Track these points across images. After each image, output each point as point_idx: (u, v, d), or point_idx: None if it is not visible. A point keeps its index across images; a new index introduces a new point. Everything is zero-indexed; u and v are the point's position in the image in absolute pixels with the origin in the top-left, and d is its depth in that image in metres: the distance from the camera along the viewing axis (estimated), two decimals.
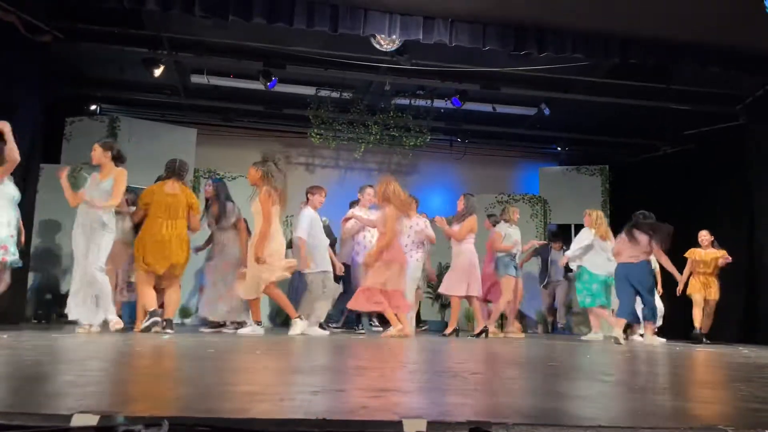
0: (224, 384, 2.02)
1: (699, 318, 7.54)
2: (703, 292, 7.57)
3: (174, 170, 5.71)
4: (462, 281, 6.69)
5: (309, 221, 6.23)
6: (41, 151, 6.04)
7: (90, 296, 5.01)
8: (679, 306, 7.81)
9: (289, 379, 2.20)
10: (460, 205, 7.02)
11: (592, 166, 10.58)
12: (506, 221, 7.52)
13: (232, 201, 6.34)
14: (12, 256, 4.82)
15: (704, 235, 7.70)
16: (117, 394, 1.64)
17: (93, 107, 9.29)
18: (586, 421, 1.46)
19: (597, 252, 7.49)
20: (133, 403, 1.49)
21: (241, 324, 6.07)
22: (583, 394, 2.07)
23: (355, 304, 5.96)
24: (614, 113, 9.14)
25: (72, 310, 5.05)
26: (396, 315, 5.91)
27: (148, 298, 5.40)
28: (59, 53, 7.35)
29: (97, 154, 5.13)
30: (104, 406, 1.37)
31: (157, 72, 7.90)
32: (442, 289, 6.94)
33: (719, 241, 7.66)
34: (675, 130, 9.53)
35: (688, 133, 9.40)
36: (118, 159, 5.17)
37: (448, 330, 6.85)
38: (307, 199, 6.47)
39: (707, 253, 7.63)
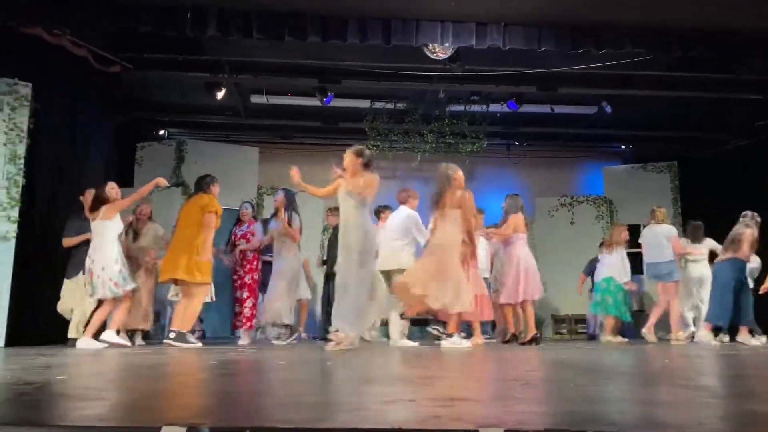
0: (299, 395, 2.06)
1: None
2: None
3: (196, 185, 5.97)
4: (515, 285, 6.38)
5: None
6: (115, 176, 6.39)
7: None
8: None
9: (361, 389, 2.22)
10: (504, 206, 6.83)
11: (659, 163, 10.20)
12: (658, 222, 7.31)
13: (298, 213, 6.52)
14: (119, 288, 5.37)
15: None
16: (201, 407, 1.70)
17: (161, 132, 9.73)
18: (670, 428, 1.41)
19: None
20: (217, 415, 1.55)
21: (290, 329, 6.22)
22: (663, 400, 1.99)
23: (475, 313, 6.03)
24: (680, 107, 8.79)
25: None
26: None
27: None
28: (128, 82, 7.76)
29: (348, 160, 5.22)
30: (190, 418, 1.43)
31: (219, 95, 8.21)
32: (502, 300, 6.56)
33: None
34: (746, 121, 9.06)
35: (760, 124, 8.92)
36: (368, 166, 5.23)
37: (527, 337, 6.39)
38: (404, 201, 6.46)
39: None
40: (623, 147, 10.91)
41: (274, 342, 6.32)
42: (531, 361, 3.94)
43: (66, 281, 5.76)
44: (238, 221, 7.05)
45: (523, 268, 6.38)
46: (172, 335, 5.55)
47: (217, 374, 2.94)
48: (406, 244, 6.22)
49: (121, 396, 2.08)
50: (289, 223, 6.37)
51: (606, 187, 10.45)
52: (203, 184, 5.86)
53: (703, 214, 7.35)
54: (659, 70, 7.67)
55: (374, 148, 9.62)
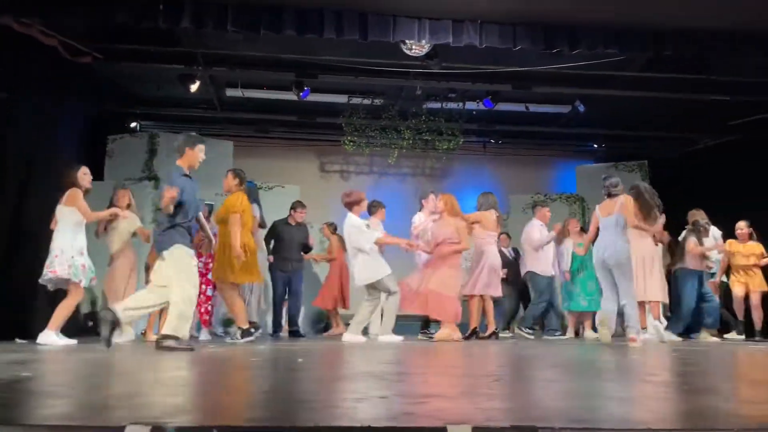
0: (269, 392, 2.05)
1: (741, 312, 7.33)
2: (744, 287, 7.31)
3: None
4: (474, 278, 6.52)
5: None
6: None
7: None
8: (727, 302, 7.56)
9: (332, 387, 2.22)
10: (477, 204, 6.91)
11: (630, 162, 10.36)
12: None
13: (259, 204, 6.45)
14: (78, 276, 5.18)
15: (742, 227, 7.45)
16: (167, 405, 1.68)
17: (133, 124, 9.56)
18: (635, 424, 1.43)
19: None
20: (183, 413, 1.53)
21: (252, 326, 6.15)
22: (629, 395, 2.03)
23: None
24: (652, 107, 8.92)
25: None
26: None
27: (244, 313, 5.62)
28: (100, 73, 7.61)
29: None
30: (155, 417, 1.41)
31: (193, 87, 8.08)
32: (463, 291, 6.57)
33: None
34: (716, 121, 9.25)
35: (729, 125, 9.12)
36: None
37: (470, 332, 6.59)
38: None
39: (746, 246, 7.38)
40: (596, 146, 11.06)
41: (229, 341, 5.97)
42: (502, 356, 3.98)
43: None
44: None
45: (487, 264, 6.49)
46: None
47: (186, 372, 2.91)
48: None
49: (87, 394, 2.05)
50: None
51: (578, 186, 10.60)
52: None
53: (673, 212, 7.44)
54: (632, 70, 7.77)
55: (351, 143, 9.61)
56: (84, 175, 5.43)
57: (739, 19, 6.39)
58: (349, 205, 6.24)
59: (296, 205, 7.51)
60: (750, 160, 8.68)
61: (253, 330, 5.60)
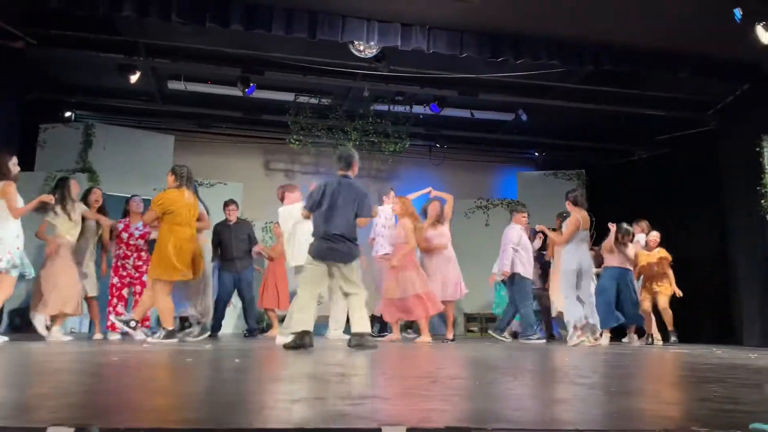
0: (203, 394, 2.00)
1: (650, 326, 7.42)
2: (650, 301, 7.35)
3: (189, 178, 5.71)
4: (456, 283, 6.90)
5: None
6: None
7: None
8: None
9: (269, 388, 2.19)
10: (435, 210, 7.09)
11: (569, 171, 10.70)
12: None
13: (203, 204, 6.33)
14: (18, 267, 5.04)
15: (654, 237, 7.46)
16: (92, 406, 1.61)
17: (68, 114, 9.14)
18: (564, 425, 1.47)
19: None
20: (109, 415, 1.48)
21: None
22: (560, 397, 2.09)
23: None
24: (590, 119, 9.26)
25: None
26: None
27: (170, 314, 5.48)
28: (34, 59, 7.24)
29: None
30: (79, 418, 1.35)
31: (133, 78, 7.79)
32: (449, 297, 6.91)
33: (694, 243, 7.68)
34: (649, 135, 9.70)
35: (661, 139, 9.57)
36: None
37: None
38: (282, 198, 6.49)
39: (650, 254, 7.37)
40: (537, 154, 11.39)
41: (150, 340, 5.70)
42: (443, 359, 4.02)
43: None
44: (128, 213, 6.71)
45: (457, 268, 6.92)
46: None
47: (115, 372, 2.80)
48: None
49: (9, 394, 1.94)
50: None
51: (519, 192, 10.85)
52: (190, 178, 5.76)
53: (608, 220, 7.74)
54: (573, 82, 8.05)
55: (297, 142, 9.52)
56: (14, 165, 5.24)
57: (672, 38, 6.73)
58: (282, 198, 6.44)
59: (227, 203, 7.45)
60: (678, 173, 9.15)
61: (176, 331, 5.59)
